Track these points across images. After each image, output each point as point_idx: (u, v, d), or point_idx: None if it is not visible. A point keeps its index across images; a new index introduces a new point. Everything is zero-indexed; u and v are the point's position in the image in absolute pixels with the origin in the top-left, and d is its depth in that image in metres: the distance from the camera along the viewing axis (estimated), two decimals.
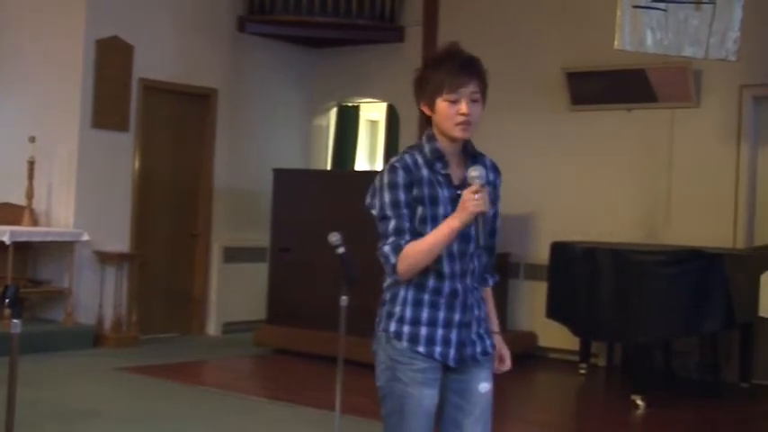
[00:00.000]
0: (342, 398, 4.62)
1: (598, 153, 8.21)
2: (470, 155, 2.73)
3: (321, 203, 7.77)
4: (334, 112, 10.49)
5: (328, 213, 7.35)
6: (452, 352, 2.67)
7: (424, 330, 2.65)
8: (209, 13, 8.98)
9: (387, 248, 2.62)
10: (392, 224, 2.62)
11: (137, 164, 8.39)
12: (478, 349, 2.72)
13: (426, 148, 2.67)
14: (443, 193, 2.63)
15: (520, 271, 8.55)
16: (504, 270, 8.55)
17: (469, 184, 2.55)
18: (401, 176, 2.63)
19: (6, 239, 7.34)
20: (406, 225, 2.61)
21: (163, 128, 8.67)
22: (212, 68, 8.99)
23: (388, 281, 2.72)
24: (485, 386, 2.75)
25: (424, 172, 2.64)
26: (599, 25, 7.52)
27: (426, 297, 2.66)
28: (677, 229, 7.72)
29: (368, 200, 2.73)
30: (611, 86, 8.04)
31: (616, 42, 6.69)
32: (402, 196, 2.62)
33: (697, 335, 6.96)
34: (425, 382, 2.65)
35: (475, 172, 2.55)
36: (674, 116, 7.85)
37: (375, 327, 2.76)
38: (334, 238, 4.35)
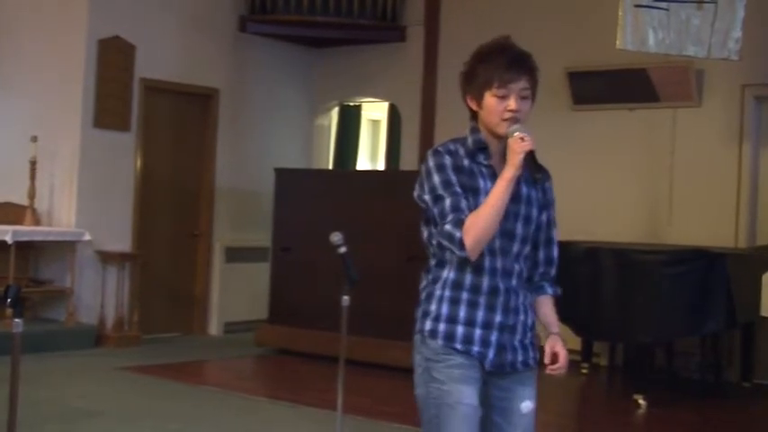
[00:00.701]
0: (343, 398, 4.61)
1: (600, 153, 8.20)
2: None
3: (323, 203, 7.77)
4: (335, 112, 10.49)
5: (330, 213, 7.35)
6: (491, 354, 2.52)
7: (460, 329, 2.51)
8: (210, 12, 8.98)
9: (448, 226, 2.46)
10: (448, 202, 2.48)
11: (138, 164, 8.39)
12: (520, 358, 2.58)
13: (469, 140, 2.59)
14: (486, 185, 2.52)
15: None
16: None
17: (509, 138, 2.49)
18: (447, 159, 2.53)
19: (8, 239, 7.35)
20: (463, 201, 2.48)
21: (164, 128, 8.68)
22: (214, 68, 8.99)
23: (423, 281, 2.61)
24: (527, 405, 2.61)
25: (465, 161, 2.55)
26: (601, 25, 7.51)
27: (464, 295, 2.52)
28: (679, 228, 7.71)
29: (416, 191, 2.59)
30: (613, 86, 8.03)
31: (618, 42, 6.68)
32: (452, 176, 2.51)
33: (699, 335, 6.95)
34: (463, 379, 2.48)
35: (514, 127, 2.49)
36: (676, 116, 7.85)
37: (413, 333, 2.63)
38: (336, 237, 4.35)
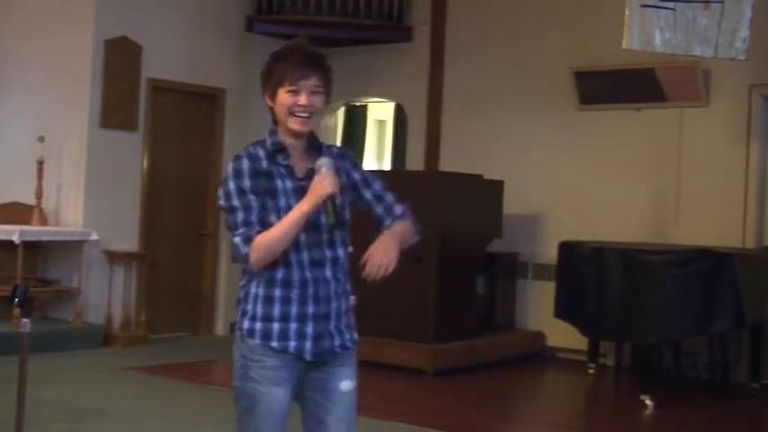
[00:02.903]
0: None
1: (607, 153, 8.19)
2: (315, 148, 2.73)
3: None
4: (341, 112, 10.49)
5: None
6: (309, 345, 2.63)
7: (276, 326, 2.61)
8: (217, 12, 8.99)
9: (237, 239, 2.59)
10: (240, 216, 2.59)
11: (145, 163, 8.40)
12: (337, 342, 2.67)
13: (268, 142, 2.69)
14: (285, 185, 2.63)
15: (528, 271, 8.54)
16: (512, 270, 8.55)
17: (316, 174, 2.58)
18: (245, 163, 2.63)
19: (16, 239, 7.37)
20: (254, 215, 2.59)
21: (171, 127, 8.69)
22: (220, 68, 9.00)
23: (242, 279, 2.69)
24: (346, 384, 2.71)
25: (264, 163, 2.64)
26: (607, 25, 7.50)
27: (277, 293, 2.62)
28: (686, 228, 7.69)
29: (219, 198, 2.67)
30: (620, 86, 8.02)
31: (624, 42, 6.67)
32: (248, 183, 2.60)
33: (706, 335, 6.93)
34: (276, 380, 2.62)
35: (321, 161, 2.60)
36: (684, 115, 7.83)
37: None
38: None
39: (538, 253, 8.48)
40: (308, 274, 2.63)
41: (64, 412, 5.58)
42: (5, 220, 7.83)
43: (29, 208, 7.93)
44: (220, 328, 9.00)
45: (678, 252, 6.56)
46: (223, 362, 7.86)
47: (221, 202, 2.65)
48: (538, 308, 8.37)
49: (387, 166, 10.89)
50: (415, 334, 7.38)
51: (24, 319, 3.20)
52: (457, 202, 7.57)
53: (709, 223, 7.56)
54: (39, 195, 7.89)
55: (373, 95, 10.06)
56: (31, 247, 7.75)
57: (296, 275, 2.62)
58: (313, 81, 2.65)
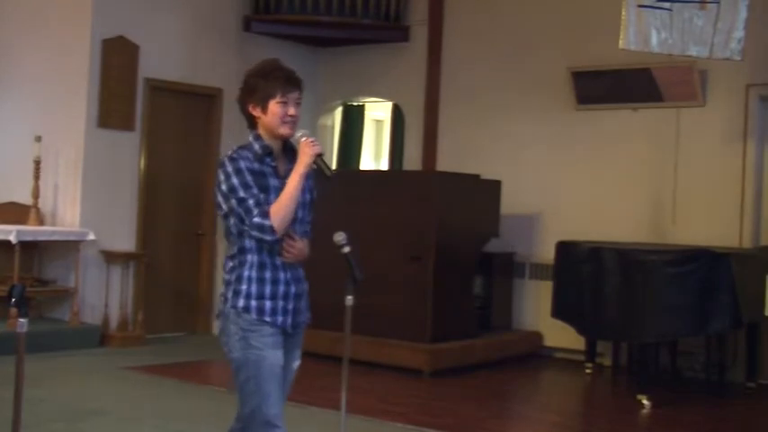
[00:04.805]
0: (347, 397, 4.61)
1: (604, 152, 8.20)
2: (289, 150, 3.20)
3: (325, 203, 7.73)
4: (339, 112, 10.49)
5: (333, 213, 7.35)
6: (289, 320, 3.17)
7: (268, 304, 3.12)
8: (214, 12, 8.99)
9: (257, 219, 3.03)
10: (251, 201, 3.04)
11: (142, 163, 8.40)
12: (302, 318, 3.25)
13: (256, 146, 3.15)
14: (273, 183, 3.10)
15: (525, 270, 8.55)
16: (509, 269, 8.56)
17: (301, 141, 3.11)
18: (243, 163, 3.09)
19: (12, 239, 7.36)
20: (262, 197, 3.05)
21: (169, 127, 8.69)
22: (218, 68, 9.00)
23: (229, 264, 3.16)
24: (297, 363, 3.28)
25: (255, 165, 3.11)
26: (604, 25, 7.52)
27: (267, 275, 3.12)
28: (683, 228, 7.70)
29: (218, 197, 3.13)
30: (617, 86, 8.03)
31: (621, 42, 6.69)
32: (249, 178, 3.07)
33: (703, 335, 6.94)
34: (275, 345, 3.11)
35: (301, 132, 3.13)
36: (680, 115, 7.84)
37: (221, 307, 3.21)
38: (340, 237, 4.34)
39: (535, 253, 8.49)
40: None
41: (60, 412, 5.57)
42: (2, 220, 7.83)
43: (26, 208, 7.93)
44: (217, 327, 8.97)
45: (675, 252, 6.57)
46: (220, 361, 7.87)
47: (225, 201, 3.10)
48: (535, 308, 8.38)
49: (384, 165, 10.89)
50: (412, 334, 7.39)
51: (21, 319, 3.19)
52: (454, 201, 7.57)
53: (706, 223, 7.57)
54: (36, 195, 7.89)
55: (371, 95, 10.06)
56: (28, 247, 7.74)
57: (280, 260, 3.13)
58: (296, 94, 3.15)
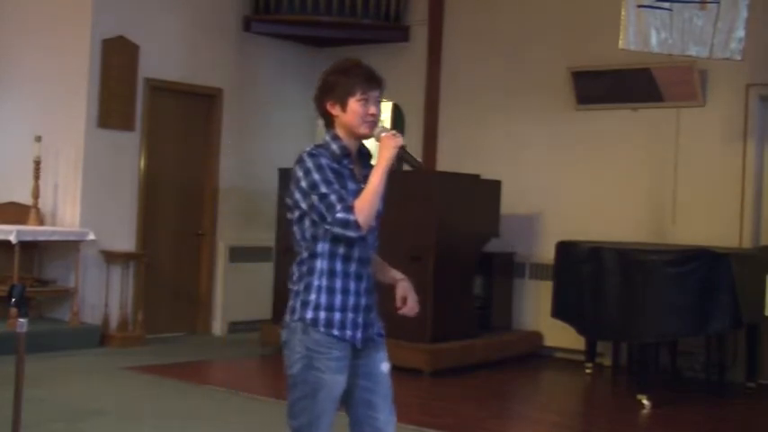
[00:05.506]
0: None
1: (604, 152, 8.20)
2: (365, 154, 3.06)
3: None
4: None
5: None
6: (359, 334, 2.95)
7: (337, 316, 2.91)
8: (214, 12, 8.99)
9: (341, 215, 2.82)
10: (333, 196, 2.84)
11: (142, 163, 8.40)
12: (375, 330, 3.02)
13: (333, 146, 2.97)
14: (351, 186, 2.93)
15: (525, 270, 8.55)
16: (509, 269, 8.56)
17: (381, 136, 2.93)
18: (323, 160, 2.92)
19: (12, 239, 7.36)
20: (344, 192, 2.87)
21: (169, 127, 8.69)
22: (218, 68, 9.00)
23: (296, 272, 2.98)
24: (386, 366, 3.03)
25: (334, 165, 2.94)
26: (604, 25, 7.51)
27: (338, 284, 2.92)
28: (683, 228, 7.70)
29: (295, 195, 2.92)
30: (617, 86, 8.03)
31: (621, 42, 6.68)
32: (330, 174, 2.89)
33: (703, 335, 6.94)
34: (339, 369, 2.90)
35: (379, 127, 2.96)
36: (680, 115, 7.84)
37: (286, 318, 2.96)
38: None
39: (535, 253, 8.49)
40: (362, 269, 2.97)
41: (60, 412, 5.57)
42: (2, 220, 7.82)
43: (26, 208, 7.93)
44: (218, 327, 8.99)
45: (675, 252, 6.57)
46: (220, 361, 7.88)
47: (304, 198, 2.89)
48: (535, 308, 8.38)
49: None
50: (412, 334, 7.37)
51: (21, 319, 3.20)
52: (454, 201, 7.57)
53: (707, 223, 7.57)
54: (36, 195, 7.88)
55: None
56: (28, 247, 7.74)
57: (352, 269, 2.94)
58: (377, 93, 2.97)
